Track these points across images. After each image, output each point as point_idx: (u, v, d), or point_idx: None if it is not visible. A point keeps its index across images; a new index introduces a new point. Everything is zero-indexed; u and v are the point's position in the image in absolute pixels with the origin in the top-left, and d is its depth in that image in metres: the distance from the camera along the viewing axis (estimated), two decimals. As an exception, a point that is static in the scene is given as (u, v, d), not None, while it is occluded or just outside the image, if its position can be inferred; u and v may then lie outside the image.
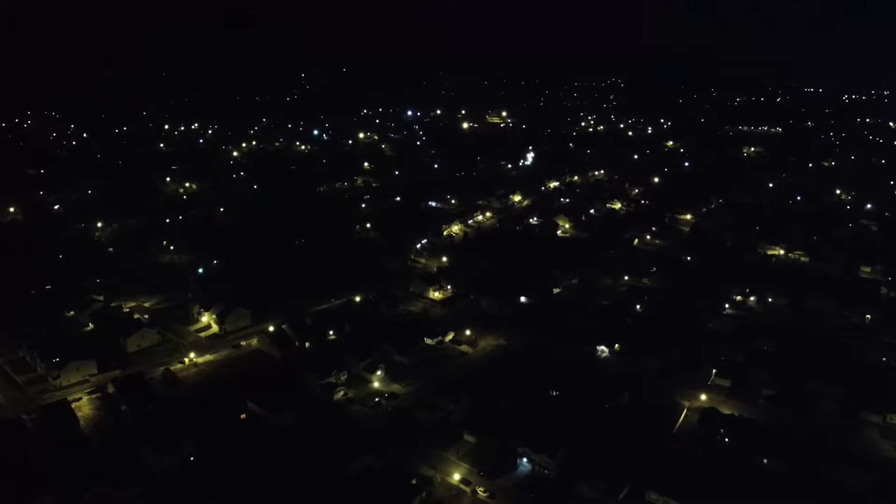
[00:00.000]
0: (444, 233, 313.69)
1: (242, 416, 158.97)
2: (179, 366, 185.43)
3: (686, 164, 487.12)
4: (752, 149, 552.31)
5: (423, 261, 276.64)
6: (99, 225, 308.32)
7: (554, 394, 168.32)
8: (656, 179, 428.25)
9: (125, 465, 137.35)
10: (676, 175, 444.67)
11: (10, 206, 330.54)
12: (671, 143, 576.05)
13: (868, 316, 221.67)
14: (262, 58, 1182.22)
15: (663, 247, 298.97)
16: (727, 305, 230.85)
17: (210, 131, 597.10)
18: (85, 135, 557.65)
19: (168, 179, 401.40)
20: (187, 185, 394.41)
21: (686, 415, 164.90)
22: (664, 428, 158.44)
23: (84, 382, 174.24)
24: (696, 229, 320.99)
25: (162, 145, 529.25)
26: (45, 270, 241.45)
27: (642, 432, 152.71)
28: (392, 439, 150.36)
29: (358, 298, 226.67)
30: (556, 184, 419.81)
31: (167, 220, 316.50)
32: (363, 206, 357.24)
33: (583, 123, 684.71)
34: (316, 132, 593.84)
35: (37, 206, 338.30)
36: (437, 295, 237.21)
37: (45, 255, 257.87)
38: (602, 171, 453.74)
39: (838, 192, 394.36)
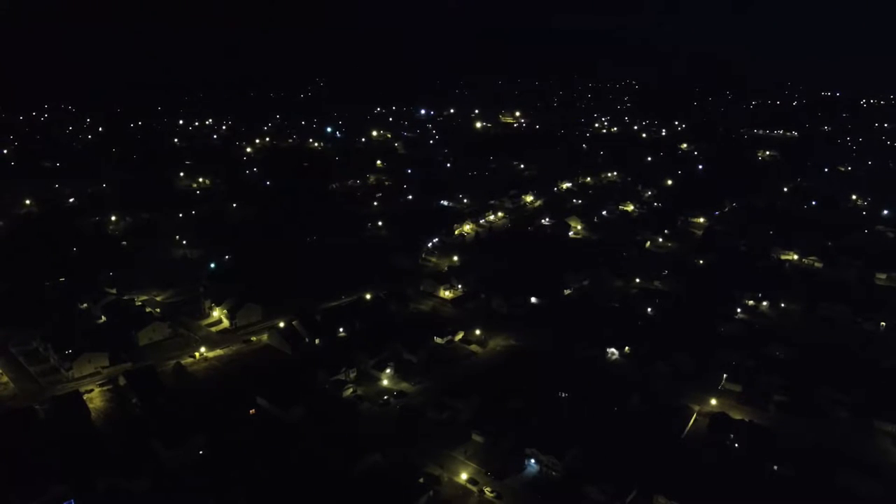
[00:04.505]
0: (456, 232, 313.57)
1: (252, 411, 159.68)
2: (190, 360, 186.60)
3: (700, 167, 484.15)
4: (767, 152, 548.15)
5: (434, 259, 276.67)
6: (113, 218, 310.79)
7: (563, 395, 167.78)
8: (669, 182, 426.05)
9: (135, 457, 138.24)
10: (690, 178, 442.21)
11: (26, 199, 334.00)
12: (685, 145, 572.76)
13: (882, 323, 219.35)
14: (275, 56, 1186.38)
15: (675, 250, 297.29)
16: (739, 310, 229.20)
17: (224, 127, 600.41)
18: (101, 129, 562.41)
19: (182, 174, 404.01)
20: (200, 180, 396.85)
21: (696, 419, 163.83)
22: (673, 432, 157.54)
23: (96, 374, 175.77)
24: (709, 233, 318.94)
25: (176, 140, 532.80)
26: (58, 263, 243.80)
27: (651, 436, 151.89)
28: (400, 437, 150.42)
29: (368, 296, 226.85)
30: (569, 185, 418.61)
31: (180, 215, 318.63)
32: (375, 203, 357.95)
33: (596, 125, 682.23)
34: (329, 129, 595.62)
35: (52, 198, 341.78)
36: (447, 294, 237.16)
37: (60, 248, 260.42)
38: (615, 173, 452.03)
39: (854, 197, 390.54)
